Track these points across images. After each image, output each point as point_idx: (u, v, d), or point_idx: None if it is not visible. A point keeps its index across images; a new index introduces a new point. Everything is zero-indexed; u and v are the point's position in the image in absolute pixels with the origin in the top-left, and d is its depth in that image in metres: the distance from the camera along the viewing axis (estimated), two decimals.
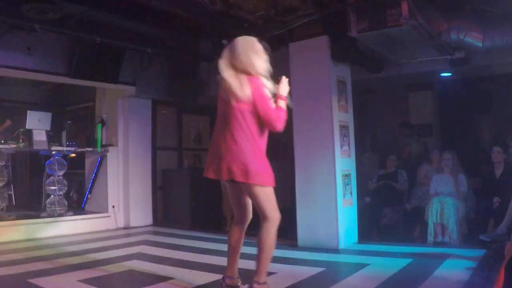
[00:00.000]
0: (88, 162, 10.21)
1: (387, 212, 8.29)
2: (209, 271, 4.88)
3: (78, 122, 11.81)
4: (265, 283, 3.98)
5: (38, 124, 8.72)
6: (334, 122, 6.99)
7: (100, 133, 9.79)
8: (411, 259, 5.90)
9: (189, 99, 10.17)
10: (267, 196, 3.96)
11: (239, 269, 4.31)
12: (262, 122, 3.95)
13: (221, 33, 7.38)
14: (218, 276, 4.53)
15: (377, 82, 9.13)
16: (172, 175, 10.59)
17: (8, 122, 9.66)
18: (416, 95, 10.28)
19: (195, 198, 9.70)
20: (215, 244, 7.32)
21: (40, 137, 8.67)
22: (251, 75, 3.96)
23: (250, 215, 4.27)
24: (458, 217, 7.17)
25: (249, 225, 4.31)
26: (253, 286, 3.95)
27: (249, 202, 4.17)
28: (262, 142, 4.04)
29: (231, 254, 4.27)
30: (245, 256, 4.40)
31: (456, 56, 7.31)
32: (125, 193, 9.83)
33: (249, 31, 6.89)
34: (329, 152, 6.94)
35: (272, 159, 3.97)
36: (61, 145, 9.01)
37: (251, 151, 3.91)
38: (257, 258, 3.99)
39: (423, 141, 9.84)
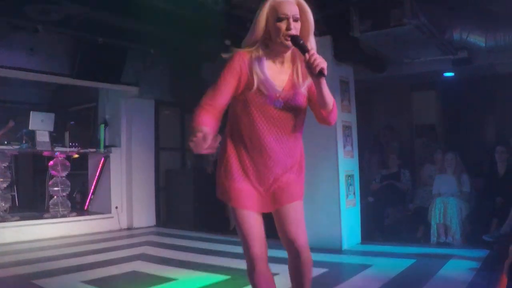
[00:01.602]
0: (91, 162, 10.19)
1: (390, 212, 8.28)
2: (213, 272, 4.88)
3: (81, 122, 11.78)
4: None
5: (41, 125, 8.73)
6: (337, 123, 6.96)
7: (103, 134, 9.79)
8: (415, 260, 5.91)
9: (192, 99, 10.15)
10: None
11: None
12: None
13: (224, 33, 7.38)
14: (222, 277, 4.54)
15: (380, 82, 9.12)
16: (175, 176, 10.57)
17: (11, 123, 9.68)
18: (419, 95, 10.25)
19: (198, 199, 9.67)
20: (219, 245, 7.33)
21: (43, 138, 8.68)
22: None
23: None
24: (461, 217, 7.15)
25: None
26: None
27: None
28: None
29: None
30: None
31: (459, 56, 7.32)
32: (128, 193, 9.83)
33: None
34: (332, 152, 6.94)
35: None
36: (64, 146, 9.01)
37: None
38: None
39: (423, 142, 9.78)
